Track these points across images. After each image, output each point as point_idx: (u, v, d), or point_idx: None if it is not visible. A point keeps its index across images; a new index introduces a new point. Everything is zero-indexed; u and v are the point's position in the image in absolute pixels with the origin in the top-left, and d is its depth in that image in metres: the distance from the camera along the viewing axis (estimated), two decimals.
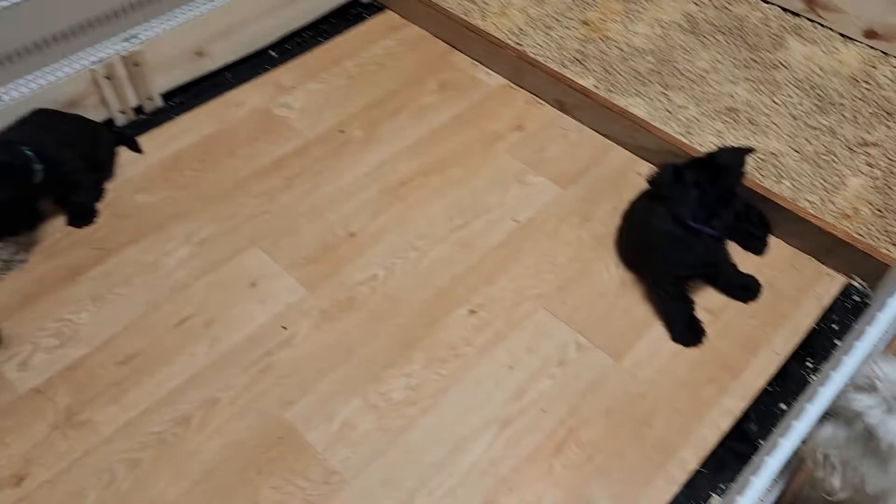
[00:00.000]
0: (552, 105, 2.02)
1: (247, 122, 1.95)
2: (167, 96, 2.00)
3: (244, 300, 1.59)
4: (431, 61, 2.13)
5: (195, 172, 1.83)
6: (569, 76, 1.99)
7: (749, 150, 1.57)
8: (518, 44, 2.09)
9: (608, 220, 1.76)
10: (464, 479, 1.35)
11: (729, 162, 1.52)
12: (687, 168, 1.53)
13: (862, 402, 0.94)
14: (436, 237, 1.72)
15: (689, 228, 1.50)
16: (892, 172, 1.79)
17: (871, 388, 0.95)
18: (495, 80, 2.08)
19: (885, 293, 1.18)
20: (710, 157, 1.53)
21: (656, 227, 1.54)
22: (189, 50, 1.98)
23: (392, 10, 2.29)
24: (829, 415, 1.00)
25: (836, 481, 0.98)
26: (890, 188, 1.75)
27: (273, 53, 2.14)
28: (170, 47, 1.93)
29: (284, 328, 1.54)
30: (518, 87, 2.06)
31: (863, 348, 0.88)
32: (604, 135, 1.95)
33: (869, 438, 0.94)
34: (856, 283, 1.64)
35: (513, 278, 1.64)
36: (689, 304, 1.58)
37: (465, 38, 2.13)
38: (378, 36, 2.21)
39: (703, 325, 1.55)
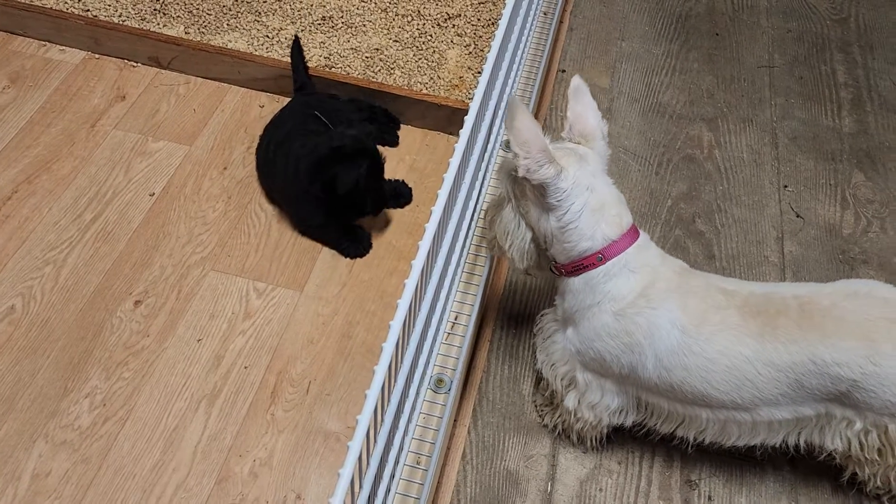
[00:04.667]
0: (148, 64, 1.87)
1: None
2: None
3: None
4: None
5: None
6: (154, 30, 1.86)
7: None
8: (85, 10, 1.89)
9: (247, 161, 1.71)
10: (190, 468, 1.27)
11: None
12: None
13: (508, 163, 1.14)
14: (69, 241, 1.54)
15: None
16: (478, 36, 1.96)
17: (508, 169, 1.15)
18: (73, 55, 1.87)
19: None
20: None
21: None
22: None
23: None
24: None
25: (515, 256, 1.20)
26: (480, 50, 1.92)
27: None
28: None
29: None
30: (103, 56, 1.88)
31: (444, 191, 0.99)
32: (212, 79, 1.86)
33: (503, 203, 1.19)
34: None
35: (169, 253, 1.54)
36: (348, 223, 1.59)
37: (21, 18, 1.87)
38: None
39: (366, 232, 1.59)
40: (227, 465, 1.28)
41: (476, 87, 1.82)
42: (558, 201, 1.10)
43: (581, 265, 1.13)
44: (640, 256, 1.13)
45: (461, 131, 1.09)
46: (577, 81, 1.17)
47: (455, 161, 1.05)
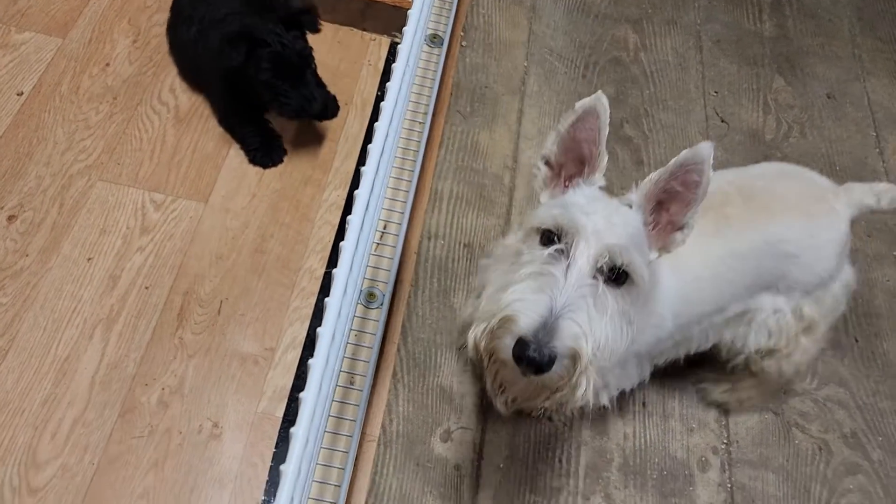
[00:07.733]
0: None
1: None
2: None
3: None
4: None
5: None
6: None
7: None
8: None
9: (133, 56, 1.50)
10: (88, 401, 1.13)
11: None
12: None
13: None
14: None
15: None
16: None
17: None
18: None
19: (407, 39, 1.17)
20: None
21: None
22: None
23: None
24: None
25: None
26: None
27: None
28: None
29: None
30: None
31: (391, 97, 0.84)
32: None
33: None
34: (398, 39, 1.65)
35: (46, 161, 1.34)
36: (265, 124, 1.44)
37: None
38: None
39: (281, 140, 1.44)
40: (131, 396, 1.15)
41: None
42: None
43: None
44: None
45: (400, 46, 0.91)
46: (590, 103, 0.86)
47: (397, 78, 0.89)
